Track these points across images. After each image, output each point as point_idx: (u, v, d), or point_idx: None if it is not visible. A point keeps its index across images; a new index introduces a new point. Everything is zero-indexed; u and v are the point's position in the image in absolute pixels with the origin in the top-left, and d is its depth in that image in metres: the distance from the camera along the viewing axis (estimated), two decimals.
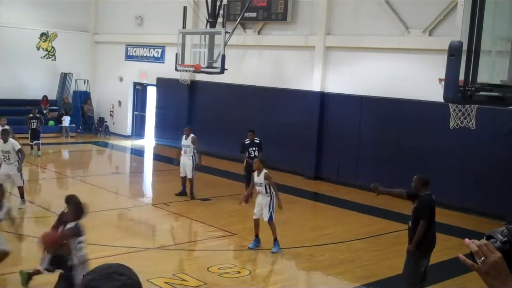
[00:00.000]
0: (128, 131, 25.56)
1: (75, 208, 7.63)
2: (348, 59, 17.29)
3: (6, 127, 15.17)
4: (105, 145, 24.04)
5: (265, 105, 19.24)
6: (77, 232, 7.48)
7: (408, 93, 15.57)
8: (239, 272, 9.93)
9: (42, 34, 25.62)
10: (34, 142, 19.64)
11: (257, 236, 11.07)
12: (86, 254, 7.61)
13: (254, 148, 14.65)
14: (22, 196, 12.95)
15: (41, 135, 20.10)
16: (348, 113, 17.14)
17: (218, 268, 9.88)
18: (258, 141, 14.79)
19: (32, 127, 19.67)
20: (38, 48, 25.62)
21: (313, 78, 17.92)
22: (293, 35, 18.57)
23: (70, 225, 7.57)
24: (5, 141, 12.93)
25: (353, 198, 15.46)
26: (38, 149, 19.71)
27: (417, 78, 15.36)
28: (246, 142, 14.79)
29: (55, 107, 24.78)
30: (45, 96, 25.07)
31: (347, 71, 17.29)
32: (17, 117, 23.26)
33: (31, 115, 20.04)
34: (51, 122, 23.39)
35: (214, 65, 17.25)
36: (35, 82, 25.07)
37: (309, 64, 18.11)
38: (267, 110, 19.12)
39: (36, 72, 25.20)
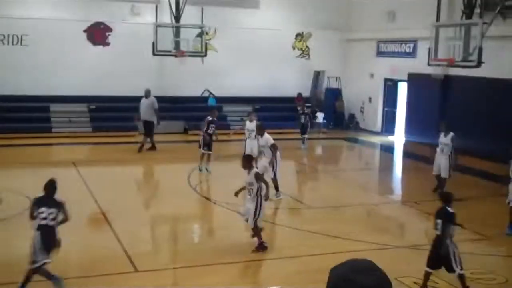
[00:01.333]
0: (378, 127, 25.53)
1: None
2: None
3: (255, 122, 15.86)
4: (355, 141, 24.31)
5: None
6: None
7: None
8: (494, 279, 9.25)
9: (298, 35, 26.92)
10: (302, 136, 20.99)
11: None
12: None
13: None
14: (276, 188, 13.64)
15: (293, 130, 21.41)
16: None
17: (471, 273, 9.30)
18: None
19: (302, 121, 21.06)
20: (293, 48, 26.98)
21: None
22: None
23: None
24: (261, 136, 13.85)
25: None
26: (303, 143, 20.97)
27: None
28: None
29: (309, 104, 25.79)
30: (299, 94, 26.28)
31: None
32: (273, 113, 24.84)
33: (300, 111, 21.67)
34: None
35: (470, 58, 16.33)
36: (290, 80, 26.42)
37: None
38: None
39: (291, 70, 26.56)
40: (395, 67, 23.91)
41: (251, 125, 15.78)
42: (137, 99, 20.02)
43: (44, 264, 7.89)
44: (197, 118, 20.46)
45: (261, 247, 9.97)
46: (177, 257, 9.95)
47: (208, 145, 16.29)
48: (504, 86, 18.38)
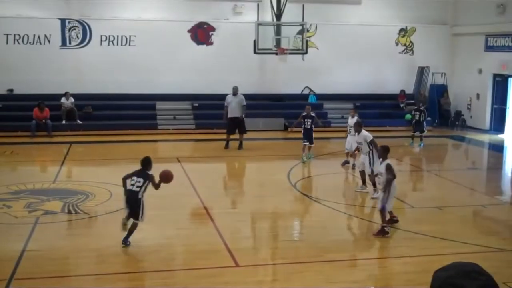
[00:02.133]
0: (487, 125, 24.44)
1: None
2: None
3: (356, 118, 15.90)
4: (461, 139, 23.44)
5: None
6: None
7: None
8: None
9: (401, 30, 26.28)
10: (416, 133, 20.73)
11: None
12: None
13: None
14: (374, 185, 13.37)
15: (396, 128, 20.85)
16: None
17: None
18: None
19: (416, 119, 20.76)
20: (396, 44, 26.37)
21: None
22: None
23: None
24: (358, 132, 13.72)
25: None
26: (421, 140, 20.59)
27: None
28: None
29: (412, 101, 25.14)
30: (402, 90, 25.70)
31: None
32: (375, 110, 24.45)
33: (415, 107, 21.47)
34: (408, 116, 23.79)
35: None
36: (392, 77, 25.88)
37: None
38: None
39: (393, 67, 26.01)
40: (505, 62, 22.81)
41: (352, 121, 15.83)
42: None
43: (123, 221, 9.74)
44: (297, 115, 20.49)
45: (382, 232, 10.40)
46: (277, 253, 10.00)
47: (307, 138, 17.15)
48: None
